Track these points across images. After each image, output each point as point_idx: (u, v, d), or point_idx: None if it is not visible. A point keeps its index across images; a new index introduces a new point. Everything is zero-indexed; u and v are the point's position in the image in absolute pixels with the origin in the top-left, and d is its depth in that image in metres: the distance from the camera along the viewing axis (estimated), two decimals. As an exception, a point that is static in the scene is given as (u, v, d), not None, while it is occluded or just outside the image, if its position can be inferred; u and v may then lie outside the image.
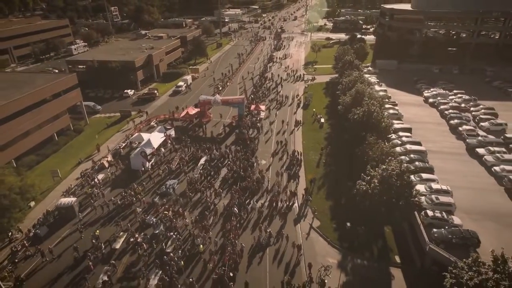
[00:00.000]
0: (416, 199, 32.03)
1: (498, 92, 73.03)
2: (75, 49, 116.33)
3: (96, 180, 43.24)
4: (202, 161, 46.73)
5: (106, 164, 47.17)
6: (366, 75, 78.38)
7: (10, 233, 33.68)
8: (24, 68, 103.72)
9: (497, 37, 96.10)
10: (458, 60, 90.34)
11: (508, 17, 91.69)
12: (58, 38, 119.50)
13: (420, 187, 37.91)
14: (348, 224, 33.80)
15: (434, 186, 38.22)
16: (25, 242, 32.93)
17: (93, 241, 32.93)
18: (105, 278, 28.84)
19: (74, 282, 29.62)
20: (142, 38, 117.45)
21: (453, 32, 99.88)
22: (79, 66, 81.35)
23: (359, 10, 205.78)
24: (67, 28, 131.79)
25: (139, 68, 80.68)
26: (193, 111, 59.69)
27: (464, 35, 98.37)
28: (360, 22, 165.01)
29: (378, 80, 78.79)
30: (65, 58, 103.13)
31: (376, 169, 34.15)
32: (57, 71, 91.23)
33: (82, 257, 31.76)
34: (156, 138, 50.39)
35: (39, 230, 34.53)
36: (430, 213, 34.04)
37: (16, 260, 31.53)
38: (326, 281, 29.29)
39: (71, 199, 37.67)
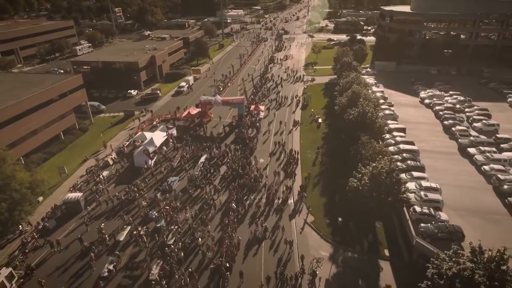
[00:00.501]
0: (404, 195, 33.77)
1: (493, 93, 74.43)
2: (79, 49, 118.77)
3: (101, 176, 45.22)
4: (202, 159, 48.56)
5: (111, 162, 49.17)
6: (365, 76, 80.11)
7: (20, 226, 35.68)
8: (30, 68, 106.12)
9: (495, 39, 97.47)
10: (456, 61, 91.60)
11: (506, 19, 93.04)
12: (63, 39, 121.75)
13: (411, 185, 39.77)
14: (340, 219, 35.54)
15: (424, 183, 39.94)
16: (34, 234, 34.94)
17: (103, 231, 35.00)
18: (110, 267, 30.77)
19: (81, 271, 31.61)
20: (145, 39, 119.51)
21: (454, 34, 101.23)
22: (84, 67, 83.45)
23: (361, 11, 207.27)
24: (72, 29, 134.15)
25: (142, 68, 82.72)
26: (194, 111, 61.59)
27: (463, 37, 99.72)
28: (361, 23, 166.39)
29: (376, 81, 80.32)
30: (69, 58, 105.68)
31: (367, 167, 35.88)
32: (62, 71, 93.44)
33: (88, 247, 33.65)
34: (158, 137, 52.30)
35: (47, 223, 36.62)
36: (418, 209, 35.78)
37: (27, 251, 33.55)
38: (317, 272, 31.05)
39: (78, 194, 39.73)
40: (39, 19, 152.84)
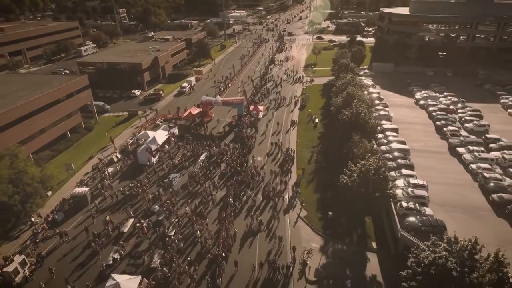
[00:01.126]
0: (391, 191, 35.87)
1: (487, 94, 76.17)
2: (84, 50, 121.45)
3: (106, 172, 47.68)
4: (202, 157, 50.88)
5: (115, 159, 51.63)
6: (362, 78, 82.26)
7: (32, 218, 38.23)
8: (36, 68, 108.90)
9: (492, 40, 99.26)
10: (453, 63, 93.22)
11: (502, 21, 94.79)
12: (68, 40, 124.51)
13: (399, 182, 41.80)
14: (330, 213, 37.67)
15: (412, 181, 41.91)
16: (44, 225, 37.55)
17: (112, 220, 37.73)
18: (115, 256, 33.21)
19: (88, 259, 34.13)
20: (149, 40, 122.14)
21: (454, 35, 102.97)
22: (89, 67, 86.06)
23: (362, 12, 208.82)
24: (77, 30, 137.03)
25: (145, 69, 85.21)
26: (195, 111, 64.02)
27: (463, 38, 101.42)
28: (362, 24, 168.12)
29: (373, 83, 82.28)
30: (75, 59, 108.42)
31: (357, 164, 37.99)
32: (68, 72, 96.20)
33: (92, 239, 35.98)
34: (160, 135, 54.68)
35: (56, 216, 39.15)
36: (404, 204, 37.82)
37: (37, 240, 36.09)
38: (308, 262, 33.31)
39: (84, 189, 42.27)
40: (45, 20, 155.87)
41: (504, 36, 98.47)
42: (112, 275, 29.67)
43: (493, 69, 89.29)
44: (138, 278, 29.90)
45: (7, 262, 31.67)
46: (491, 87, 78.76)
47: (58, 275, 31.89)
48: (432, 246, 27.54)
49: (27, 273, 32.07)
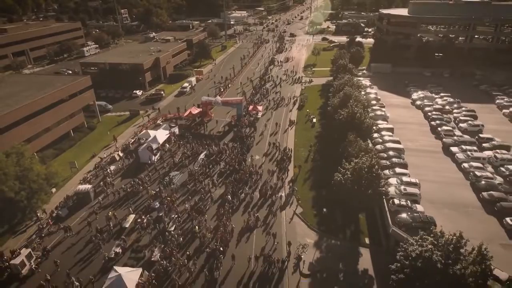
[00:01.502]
0: (383, 189, 37.13)
1: (483, 95, 77.29)
2: (87, 51, 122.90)
3: (108, 170, 49.11)
4: (202, 155, 52.24)
5: (117, 157, 53.06)
6: (360, 78, 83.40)
7: (38, 213, 39.70)
8: (40, 69, 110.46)
9: (490, 42, 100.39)
10: (451, 64, 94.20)
11: (499, 23, 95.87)
12: (71, 41, 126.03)
13: (393, 180, 43.12)
14: (324, 209, 38.93)
15: (405, 179, 43.24)
16: (49, 220, 39.01)
17: (114, 215, 39.34)
18: (117, 250, 34.63)
19: (90, 253, 35.60)
20: (150, 41, 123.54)
21: (452, 36, 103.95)
22: (92, 68, 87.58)
23: (362, 13, 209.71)
24: (80, 31, 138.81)
25: (147, 70, 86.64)
26: (195, 110, 65.42)
27: (461, 39, 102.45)
28: (362, 25, 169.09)
29: (370, 83, 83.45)
30: (77, 59, 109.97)
31: (351, 163, 39.27)
32: (71, 72, 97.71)
33: (98, 232, 37.41)
34: (161, 134, 56.04)
35: (60, 211, 40.65)
36: (396, 201, 39.11)
37: (43, 235, 37.58)
38: (302, 256, 34.60)
39: (88, 186, 43.74)
40: (48, 21, 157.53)
41: (502, 37, 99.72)
42: (115, 267, 31.00)
43: (490, 69, 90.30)
44: (139, 270, 31.25)
45: (14, 255, 33.21)
46: (487, 87, 79.81)
47: (63, 268, 33.28)
48: (420, 240, 28.85)
49: (33, 266, 33.50)
